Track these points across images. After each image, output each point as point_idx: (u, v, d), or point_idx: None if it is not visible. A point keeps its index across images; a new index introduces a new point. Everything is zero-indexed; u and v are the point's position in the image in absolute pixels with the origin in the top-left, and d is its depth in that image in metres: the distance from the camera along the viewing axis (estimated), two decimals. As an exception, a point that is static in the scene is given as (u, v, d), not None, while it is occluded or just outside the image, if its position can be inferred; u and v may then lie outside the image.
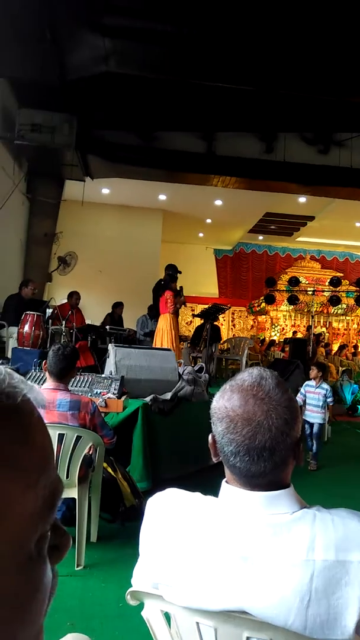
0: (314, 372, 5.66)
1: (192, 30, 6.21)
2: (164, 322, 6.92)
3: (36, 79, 7.16)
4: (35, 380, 3.53)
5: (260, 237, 16.52)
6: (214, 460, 1.02)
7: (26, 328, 5.66)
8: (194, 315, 12.24)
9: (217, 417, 0.97)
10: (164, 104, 8.40)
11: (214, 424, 0.99)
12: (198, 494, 1.02)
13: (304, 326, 15.75)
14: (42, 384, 3.10)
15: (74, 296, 7.98)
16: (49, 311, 7.19)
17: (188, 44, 6.48)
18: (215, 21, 6.16)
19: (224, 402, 0.97)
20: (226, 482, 0.99)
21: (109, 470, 3.46)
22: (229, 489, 0.97)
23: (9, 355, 5.86)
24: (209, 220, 14.30)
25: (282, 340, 15.05)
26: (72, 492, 2.82)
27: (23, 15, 5.66)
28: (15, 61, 6.76)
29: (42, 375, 3.45)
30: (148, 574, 1.01)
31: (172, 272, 7.21)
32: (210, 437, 1.01)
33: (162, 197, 12.41)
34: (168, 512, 1.00)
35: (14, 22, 5.91)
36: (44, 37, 6.21)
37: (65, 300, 8.24)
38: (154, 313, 8.64)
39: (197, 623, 0.95)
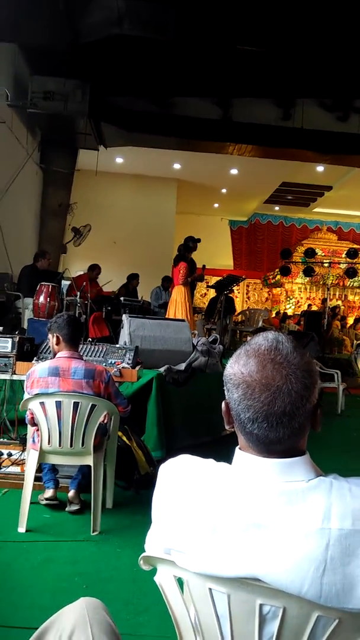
0: None
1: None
2: (178, 294, 6.88)
3: (48, 44, 7.01)
4: (50, 351, 3.54)
5: (277, 208, 16.26)
6: (227, 428, 1.00)
7: (41, 299, 5.68)
8: (208, 287, 12.18)
9: (232, 384, 0.95)
10: (179, 69, 8.17)
11: (229, 390, 0.96)
12: (211, 461, 1.01)
13: (319, 299, 15.60)
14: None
15: (95, 269, 8.01)
16: (64, 283, 7.20)
17: (204, 4, 6.26)
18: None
19: (240, 368, 0.94)
20: (239, 449, 0.97)
21: (124, 438, 3.50)
22: (243, 456, 0.95)
23: (25, 326, 5.89)
24: (224, 190, 14.08)
25: (297, 313, 14.94)
26: (87, 460, 2.85)
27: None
28: (27, 27, 6.61)
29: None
30: (160, 539, 1.01)
31: (191, 243, 7.12)
32: (223, 404, 0.99)
33: (177, 166, 12.22)
34: (181, 478, 0.99)
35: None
36: (56, 1, 6.05)
37: (81, 272, 8.23)
38: (168, 284, 8.60)
39: (210, 589, 0.94)
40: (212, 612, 0.95)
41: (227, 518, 0.90)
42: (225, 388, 0.98)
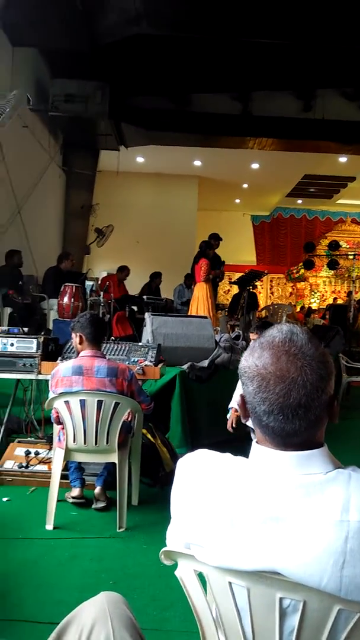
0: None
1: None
2: (199, 291, 6.87)
3: (67, 47, 7.08)
4: (74, 350, 3.58)
5: (299, 201, 16.06)
6: (243, 421, 1.00)
7: (65, 299, 5.75)
8: (230, 283, 12.13)
9: (247, 377, 0.95)
10: (197, 65, 8.16)
11: (244, 383, 0.96)
12: (228, 455, 1.01)
13: (345, 292, 15.36)
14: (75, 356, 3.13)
15: (125, 271, 8.11)
16: (88, 283, 7.27)
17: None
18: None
19: (254, 360, 0.94)
20: (257, 442, 0.97)
21: (149, 436, 3.52)
22: (260, 449, 0.95)
23: (50, 326, 5.98)
24: (245, 185, 13.98)
25: (323, 307, 14.74)
26: (112, 457, 2.88)
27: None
28: (46, 31, 6.69)
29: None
30: (180, 534, 1.02)
31: (213, 241, 7.12)
32: (239, 397, 0.99)
33: (197, 163, 12.19)
34: (198, 473, 0.99)
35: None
36: (74, 4, 6.10)
37: (106, 273, 8.30)
38: (190, 282, 8.60)
39: (230, 583, 0.94)
40: (233, 606, 0.95)
41: (245, 511, 0.90)
42: (240, 381, 0.98)
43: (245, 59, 7.84)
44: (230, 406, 3.30)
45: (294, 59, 7.84)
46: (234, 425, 3.21)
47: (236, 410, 3.20)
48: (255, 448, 0.96)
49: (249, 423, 1.00)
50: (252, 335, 3.66)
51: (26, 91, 7.19)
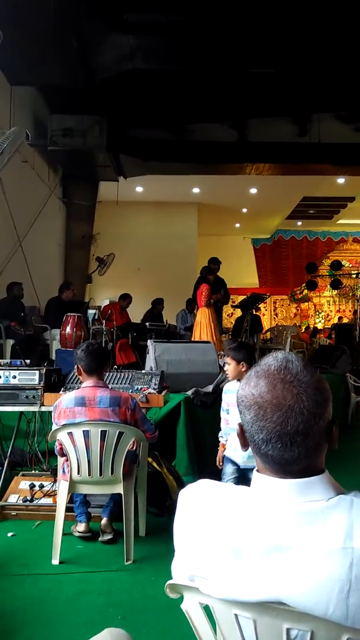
0: (238, 368, 2.98)
1: (213, 19, 6.13)
2: (202, 316, 6.88)
3: (64, 84, 7.26)
4: (77, 381, 3.58)
5: (299, 223, 16.20)
6: (243, 450, 1.00)
7: (68, 329, 5.77)
8: (233, 307, 12.15)
9: (244, 406, 0.95)
10: (192, 96, 8.35)
11: (242, 412, 0.96)
12: (230, 484, 1.00)
13: (350, 311, 15.34)
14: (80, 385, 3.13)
15: (127, 299, 8.17)
16: (90, 312, 7.31)
17: (211, 32, 6.40)
18: (237, 7, 6.06)
19: (250, 389, 0.94)
20: (257, 471, 0.96)
21: (154, 465, 3.48)
22: (260, 478, 0.94)
23: (53, 357, 5.98)
24: (244, 210, 14.13)
25: (328, 326, 14.71)
26: (117, 488, 2.84)
27: (47, 21, 5.73)
28: (43, 69, 6.88)
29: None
30: (184, 566, 1.01)
31: (213, 265, 7.16)
32: (237, 426, 0.99)
33: (196, 190, 12.36)
34: (200, 504, 0.98)
35: (39, 30, 6.00)
36: (70, 42, 6.29)
37: (108, 301, 8.34)
38: (192, 307, 8.62)
39: (236, 615, 0.93)
40: (240, 638, 0.94)
41: (248, 542, 0.89)
42: (239, 410, 0.98)
43: (239, 88, 8.01)
44: (220, 435, 3.20)
45: (288, 85, 8.01)
46: (221, 463, 3.11)
47: (223, 445, 3.12)
48: (256, 477, 0.96)
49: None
50: (227, 359, 3.10)
51: (25, 127, 7.37)
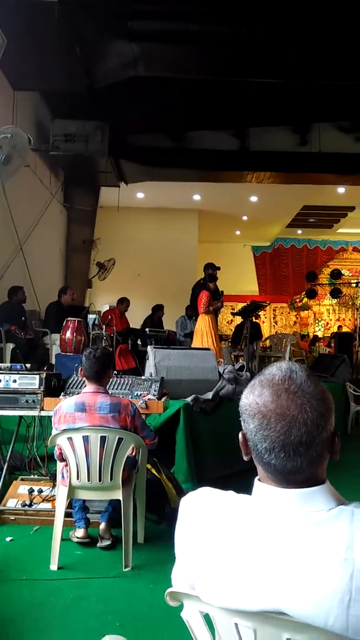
0: None
1: (216, 28, 6.18)
2: (202, 322, 6.88)
3: (67, 89, 7.30)
4: (77, 385, 3.58)
5: (299, 231, 16.24)
6: (245, 459, 1.00)
7: (68, 334, 5.77)
8: (233, 314, 12.16)
9: (248, 414, 0.95)
10: (195, 104, 8.40)
11: (245, 421, 0.97)
12: (231, 493, 1.01)
13: (349, 320, 15.36)
14: (83, 388, 3.14)
15: (124, 302, 8.17)
16: (90, 317, 7.31)
17: (214, 41, 6.45)
18: (240, 16, 6.10)
19: (255, 398, 0.95)
20: (259, 480, 0.97)
21: (154, 471, 3.48)
22: (262, 487, 0.95)
23: (53, 361, 5.98)
24: (245, 218, 14.17)
25: (327, 335, 14.72)
26: (116, 494, 2.84)
27: (50, 27, 5.77)
28: (46, 74, 6.91)
29: (83, 380, 3.51)
30: (185, 574, 1.01)
31: (211, 271, 7.15)
32: (240, 435, 0.99)
33: (197, 197, 12.40)
34: (201, 512, 0.99)
35: (42, 36, 6.05)
36: (73, 49, 6.33)
37: (107, 307, 8.35)
38: (191, 313, 8.63)
39: (236, 624, 0.93)
40: (240, 647, 0.94)
41: (250, 551, 0.89)
42: (241, 419, 0.98)
43: (241, 96, 8.06)
44: None
45: (290, 95, 8.06)
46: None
47: None
48: (258, 486, 0.96)
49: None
50: None
51: (27, 132, 7.40)
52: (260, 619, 0.89)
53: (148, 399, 3.37)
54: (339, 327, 15.44)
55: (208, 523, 0.96)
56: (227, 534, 0.92)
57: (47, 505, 3.40)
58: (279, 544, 0.87)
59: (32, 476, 3.86)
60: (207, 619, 0.99)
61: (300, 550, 0.86)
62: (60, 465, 2.94)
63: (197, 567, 0.95)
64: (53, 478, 3.54)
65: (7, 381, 3.42)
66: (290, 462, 0.90)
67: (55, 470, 3.29)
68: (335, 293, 14.00)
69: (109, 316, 7.27)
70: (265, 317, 16.06)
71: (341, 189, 11.69)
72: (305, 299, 15.10)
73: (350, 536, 0.84)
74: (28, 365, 3.60)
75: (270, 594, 0.86)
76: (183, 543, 1.00)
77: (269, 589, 0.86)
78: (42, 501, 3.44)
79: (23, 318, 6.46)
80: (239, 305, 11.00)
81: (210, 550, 0.93)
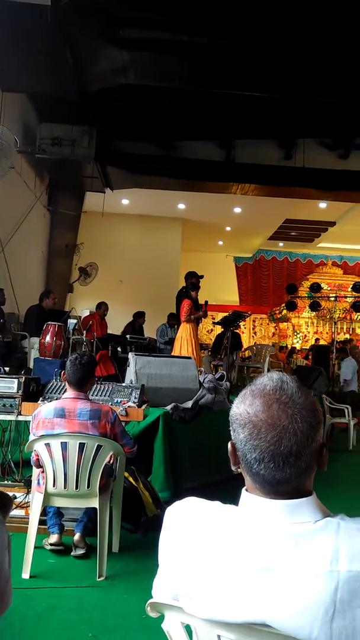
0: None
1: (207, 40, 6.24)
2: (183, 331, 6.89)
3: (55, 93, 7.28)
4: (56, 390, 3.54)
5: (281, 244, 16.44)
6: (233, 469, 0.99)
7: (47, 338, 5.71)
8: (214, 323, 12.20)
9: (238, 424, 0.95)
10: (183, 114, 8.45)
11: (235, 430, 0.96)
12: (217, 503, 1.00)
13: (327, 333, 15.55)
14: (62, 394, 3.10)
15: (102, 307, 8.13)
16: (70, 321, 7.25)
17: (204, 53, 6.51)
18: (230, 29, 6.19)
19: (246, 408, 0.94)
20: (246, 490, 0.96)
21: (131, 480, 3.45)
22: (249, 497, 0.94)
23: (31, 365, 5.91)
24: (228, 228, 14.29)
25: (305, 347, 14.86)
26: (93, 502, 2.80)
27: (42, 30, 5.76)
28: (35, 77, 6.89)
29: (62, 385, 3.46)
30: (168, 585, 0.99)
31: (194, 279, 7.17)
32: (229, 445, 0.99)
33: (182, 206, 12.46)
34: (187, 522, 0.97)
35: (33, 38, 6.02)
36: (63, 53, 6.32)
37: (88, 312, 8.29)
38: (173, 322, 8.63)
39: (219, 636, 0.92)
40: (222, 660, 0.92)
41: (235, 562, 0.88)
42: (231, 428, 0.98)
43: (228, 109, 8.15)
44: None
45: (276, 110, 8.18)
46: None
47: None
48: (245, 496, 0.95)
49: None
50: None
51: (14, 134, 7.35)
52: (244, 631, 0.88)
53: (128, 406, 3.35)
54: (317, 339, 15.61)
55: (194, 533, 0.95)
56: (213, 544, 0.91)
57: (20, 512, 3.33)
58: (265, 555, 0.87)
59: (5, 482, 3.78)
60: (188, 630, 0.97)
61: (286, 562, 0.85)
62: (36, 471, 2.89)
63: (182, 578, 0.94)
64: (27, 484, 3.48)
65: (-16, 384, 3.36)
66: (279, 472, 0.89)
67: (30, 476, 3.23)
68: (315, 306, 14.16)
69: (90, 321, 7.22)
70: (245, 328, 16.16)
71: (323, 204, 11.89)
72: (285, 311, 15.24)
73: (335, 548, 0.84)
74: (7, 369, 3.54)
75: (255, 605, 0.86)
76: (167, 553, 0.98)
77: (253, 600, 0.86)
78: (16, 508, 3.37)
79: (1, 320, 6.37)
80: (220, 315, 11.05)
81: (196, 561, 0.92)
